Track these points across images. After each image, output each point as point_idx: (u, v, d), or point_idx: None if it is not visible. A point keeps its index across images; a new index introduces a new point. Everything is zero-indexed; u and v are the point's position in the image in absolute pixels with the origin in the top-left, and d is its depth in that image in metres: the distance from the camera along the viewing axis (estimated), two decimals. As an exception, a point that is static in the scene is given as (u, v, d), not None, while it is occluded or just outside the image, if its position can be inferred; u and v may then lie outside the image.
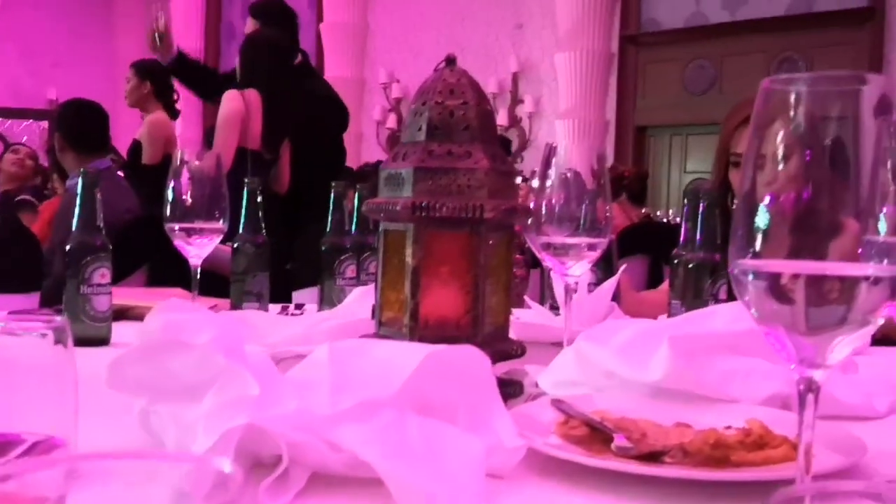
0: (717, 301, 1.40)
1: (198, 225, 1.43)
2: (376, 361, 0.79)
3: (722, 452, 0.79)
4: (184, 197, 1.45)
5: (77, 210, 1.40)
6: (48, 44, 12.39)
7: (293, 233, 3.16)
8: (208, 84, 4.17)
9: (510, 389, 1.14)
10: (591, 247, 1.21)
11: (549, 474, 0.78)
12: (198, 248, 1.42)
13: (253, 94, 3.60)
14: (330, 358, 0.79)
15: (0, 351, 0.63)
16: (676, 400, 0.98)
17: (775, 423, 0.85)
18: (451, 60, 1.17)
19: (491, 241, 1.09)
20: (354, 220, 1.83)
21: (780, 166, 0.58)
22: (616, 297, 1.59)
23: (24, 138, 10.76)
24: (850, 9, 7.84)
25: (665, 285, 1.74)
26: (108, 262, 1.42)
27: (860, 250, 0.55)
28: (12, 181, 5.52)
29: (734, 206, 0.59)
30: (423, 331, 1.07)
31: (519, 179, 6.94)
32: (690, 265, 1.45)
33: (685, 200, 1.52)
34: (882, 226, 0.56)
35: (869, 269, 0.54)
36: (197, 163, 1.51)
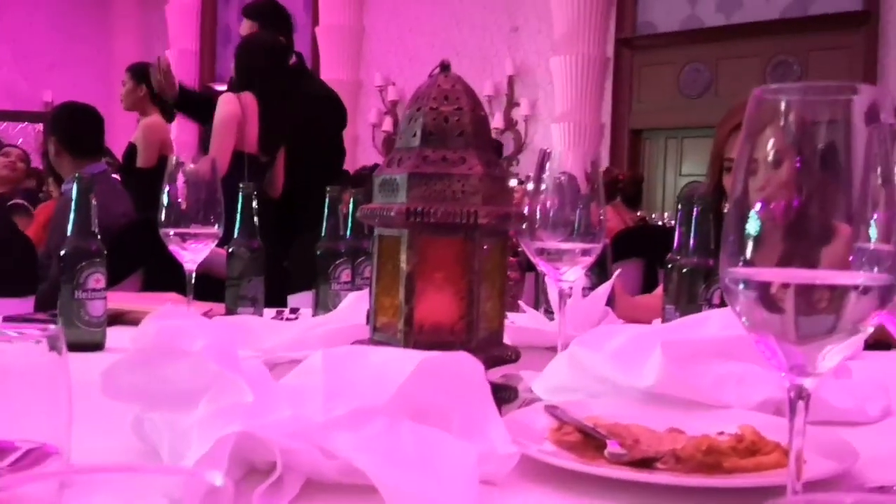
0: (711, 306, 1.41)
1: (193, 230, 1.43)
2: (370, 368, 0.79)
3: (714, 459, 0.79)
4: (179, 202, 1.45)
5: (72, 215, 1.40)
6: (44, 46, 12.38)
7: (288, 237, 3.16)
8: (211, 111, 4.17)
9: (504, 395, 1.14)
10: (585, 252, 1.21)
11: (543, 481, 0.79)
12: (193, 254, 1.42)
13: (249, 98, 3.60)
14: (324, 365, 0.79)
15: (-6, 358, 0.63)
16: (669, 405, 0.98)
17: (768, 428, 0.85)
18: (445, 66, 1.18)
19: (485, 247, 1.10)
20: (349, 224, 1.83)
21: (772, 173, 0.59)
22: (610, 301, 1.60)
23: (20, 140, 10.75)
24: (845, 12, 7.87)
25: (659, 290, 1.74)
26: (102, 268, 1.42)
27: (851, 258, 0.56)
28: (4, 184, 5.50)
29: (726, 212, 0.59)
30: (418, 336, 1.07)
31: (515, 182, 6.95)
32: (684, 270, 1.45)
33: (679, 205, 1.53)
34: (873, 232, 0.56)
35: (859, 278, 0.54)
36: (192, 166, 1.51)
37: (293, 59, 3.99)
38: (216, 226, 1.46)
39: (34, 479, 0.34)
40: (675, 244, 1.49)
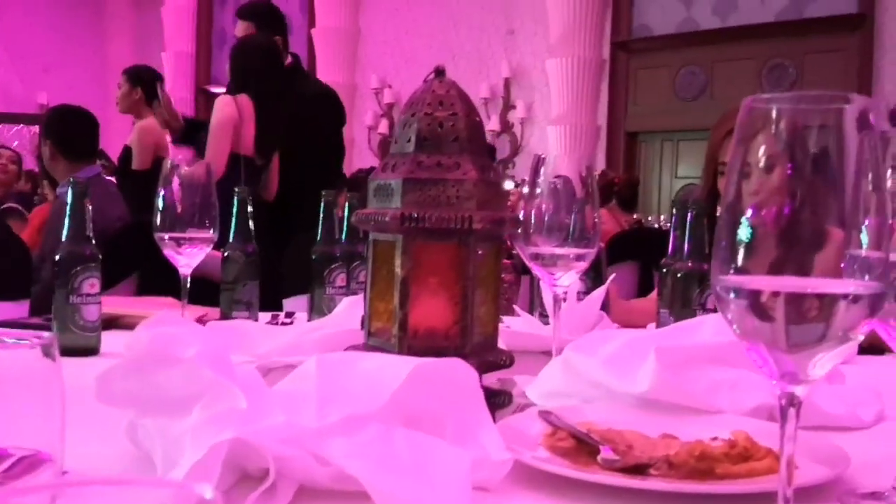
0: (706, 310, 1.41)
1: (188, 234, 1.43)
2: (364, 374, 0.80)
3: (707, 465, 0.80)
4: (173, 206, 1.45)
5: (66, 220, 1.40)
6: (39, 48, 12.37)
7: (284, 239, 3.15)
8: None
9: (499, 400, 1.14)
10: (580, 257, 1.21)
11: (536, 487, 0.79)
12: (188, 258, 1.42)
13: (245, 100, 3.59)
14: (317, 371, 0.79)
15: (-13, 365, 0.63)
16: (663, 411, 0.98)
17: (761, 434, 0.86)
18: (440, 72, 1.18)
19: (480, 252, 1.10)
20: (344, 228, 1.83)
21: (763, 179, 0.59)
22: (605, 305, 1.60)
23: (15, 143, 10.74)
24: (840, 15, 7.89)
25: (654, 294, 1.74)
26: (97, 273, 1.41)
27: (843, 264, 0.56)
28: None
29: (718, 218, 0.59)
30: (412, 341, 1.07)
31: (512, 185, 6.95)
32: (679, 274, 1.45)
33: (673, 210, 1.53)
34: (864, 239, 0.56)
35: (849, 286, 0.54)
36: (186, 168, 1.51)
37: (289, 60, 3.99)
38: (211, 230, 1.46)
39: (25, 492, 0.34)
40: (670, 248, 1.50)
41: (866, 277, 0.56)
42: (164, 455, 0.75)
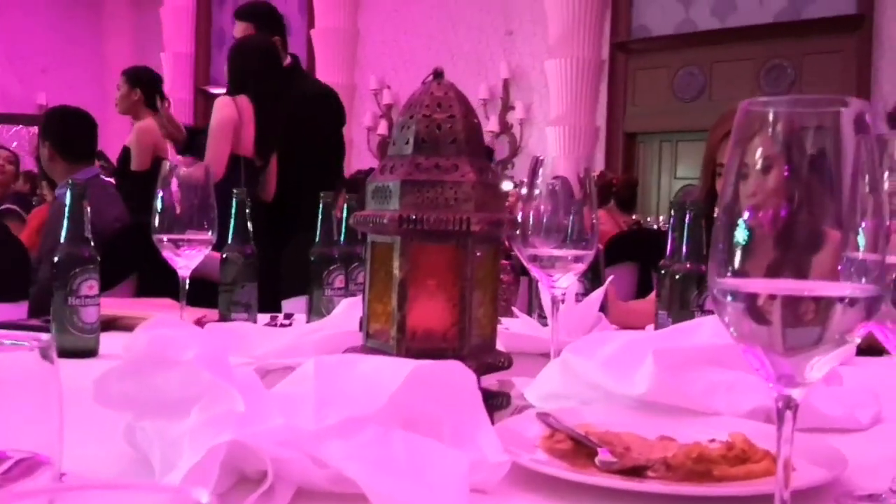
0: (704, 312, 1.41)
1: (186, 236, 1.43)
2: (362, 377, 0.80)
3: (704, 467, 0.80)
4: (172, 207, 1.45)
5: (65, 222, 1.40)
6: (38, 49, 12.37)
7: (284, 239, 3.15)
8: None
9: (497, 401, 1.14)
10: (578, 259, 1.21)
11: (534, 489, 0.79)
12: (186, 260, 1.42)
13: (245, 101, 3.58)
14: (315, 373, 0.79)
15: (-16, 368, 0.63)
16: (661, 413, 0.98)
17: (758, 436, 0.86)
18: (438, 74, 1.18)
19: (478, 254, 1.10)
20: (343, 230, 1.83)
21: (760, 182, 0.59)
22: (604, 307, 1.60)
23: (14, 144, 10.74)
24: (839, 16, 7.90)
25: (653, 295, 1.74)
26: (95, 274, 1.42)
27: (840, 267, 0.56)
28: None
29: (715, 221, 0.59)
30: (410, 343, 1.07)
31: (511, 185, 6.95)
32: (677, 276, 1.46)
33: (672, 211, 1.53)
34: (861, 240, 0.56)
35: (846, 289, 0.55)
36: (184, 169, 1.51)
37: (288, 61, 3.98)
38: (210, 232, 1.46)
39: (22, 496, 0.35)
40: (668, 250, 1.50)
41: (863, 280, 0.56)
42: (162, 457, 0.76)
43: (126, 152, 4.59)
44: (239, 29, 4.01)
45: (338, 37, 10.62)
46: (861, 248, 0.57)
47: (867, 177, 0.58)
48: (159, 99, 4.39)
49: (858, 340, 0.57)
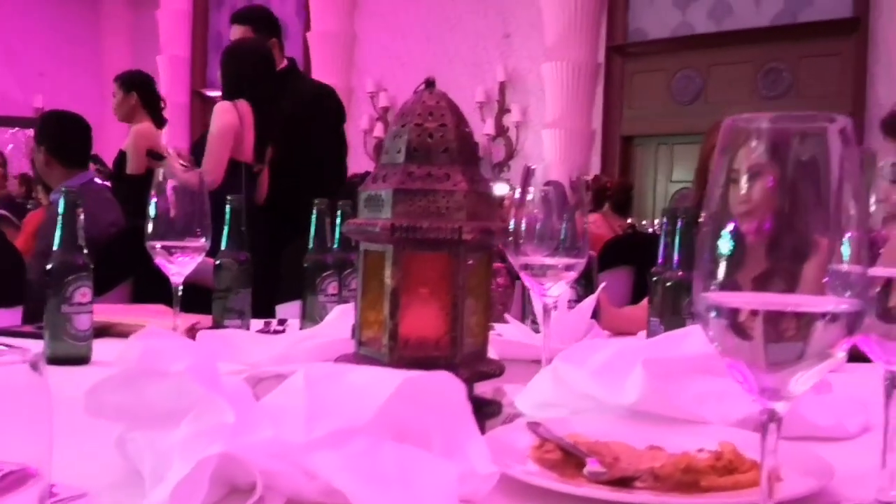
0: (695, 319, 1.42)
1: (179, 243, 1.43)
2: (351, 387, 0.80)
3: (692, 477, 0.80)
4: (165, 214, 1.45)
5: (58, 229, 1.41)
6: (35, 52, 12.38)
7: (285, 241, 3.14)
8: None
9: (489, 409, 1.15)
10: (569, 267, 1.22)
11: (523, 500, 0.79)
12: (179, 267, 1.42)
13: (245, 106, 3.57)
14: (305, 384, 0.80)
15: (-26, 380, 0.63)
16: (651, 422, 0.99)
17: (747, 445, 0.86)
18: (430, 83, 1.19)
19: (470, 262, 1.10)
20: (337, 236, 1.84)
21: (745, 195, 0.59)
22: (596, 313, 1.61)
23: (10, 146, 10.73)
24: (835, 20, 7.92)
25: (645, 301, 1.75)
26: (89, 282, 1.42)
27: (826, 279, 0.56)
28: None
29: (699, 230, 0.60)
30: (403, 351, 1.08)
31: (507, 188, 6.96)
32: (668, 283, 1.46)
33: (664, 218, 1.54)
34: (846, 254, 0.57)
35: (828, 304, 0.55)
36: (178, 177, 1.51)
37: (284, 63, 3.98)
38: (203, 238, 1.46)
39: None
40: (661, 257, 1.50)
41: (848, 293, 0.56)
42: (152, 469, 0.76)
43: (122, 156, 4.59)
44: (235, 33, 4.01)
45: (334, 40, 10.63)
46: (846, 262, 0.57)
47: (852, 190, 0.59)
48: (159, 101, 4.40)
49: (842, 355, 0.57)
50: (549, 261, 1.22)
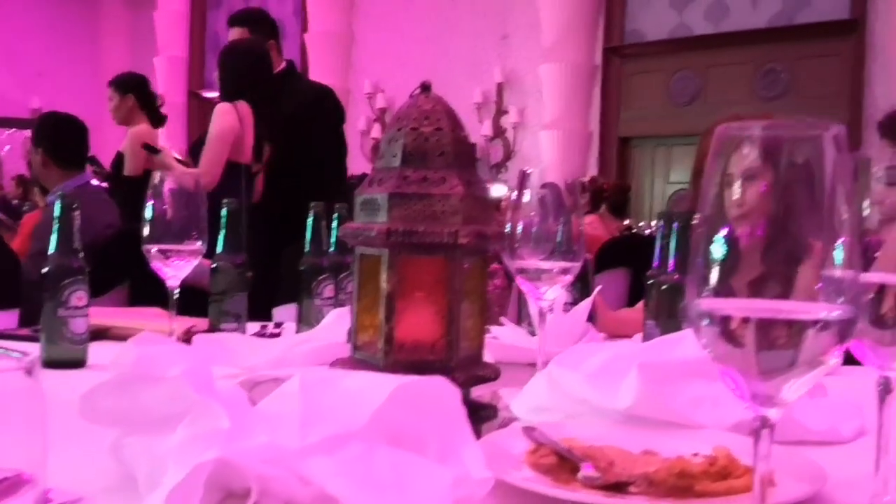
0: (688, 325, 1.42)
1: (175, 246, 1.43)
2: (346, 393, 0.80)
3: (686, 482, 0.80)
4: (161, 218, 1.45)
5: (55, 233, 1.41)
6: (32, 53, 12.37)
7: (285, 242, 3.13)
8: None
9: (485, 413, 1.15)
10: (565, 271, 1.22)
11: (517, 504, 0.80)
12: (175, 270, 1.42)
13: (245, 108, 3.57)
14: (301, 389, 0.80)
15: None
16: (646, 426, 0.99)
17: (742, 449, 0.86)
18: (425, 87, 1.19)
19: (466, 266, 1.11)
20: (333, 239, 1.84)
21: (739, 199, 0.60)
22: (592, 316, 1.61)
23: (7, 147, 10.72)
24: (833, 21, 7.93)
25: (641, 303, 1.75)
26: (85, 285, 1.42)
27: (819, 286, 0.57)
28: None
29: (693, 235, 0.60)
30: (398, 355, 1.08)
31: (504, 189, 6.96)
32: (664, 287, 1.46)
33: (660, 222, 1.54)
34: (839, 257, 0.57)
35: (820, 311, 0.55)
36: (174, 180, 1.51)
37: (283, 65, 3.98)
38: (199, 242, 1.46)
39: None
40: (656, 260, 1.50)
41: (840, 300, 0.56)
42: (147, 474, 0.76)
43: (120, 157, 4.59)
44: (233, 35, 4.01)
45: (332, 40, 10.63)
46: (839, 267, 0.57)
47: (845, 196, 0.59)
48: (155, 101, 4.39)
49: (835, 362, 0.58)
50: (544, 265, 1.22)
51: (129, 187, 4.16)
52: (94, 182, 3.66)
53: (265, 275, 2.72)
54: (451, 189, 1.09)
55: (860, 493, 0.82)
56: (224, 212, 1.70)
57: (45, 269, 1.40)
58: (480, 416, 1.14)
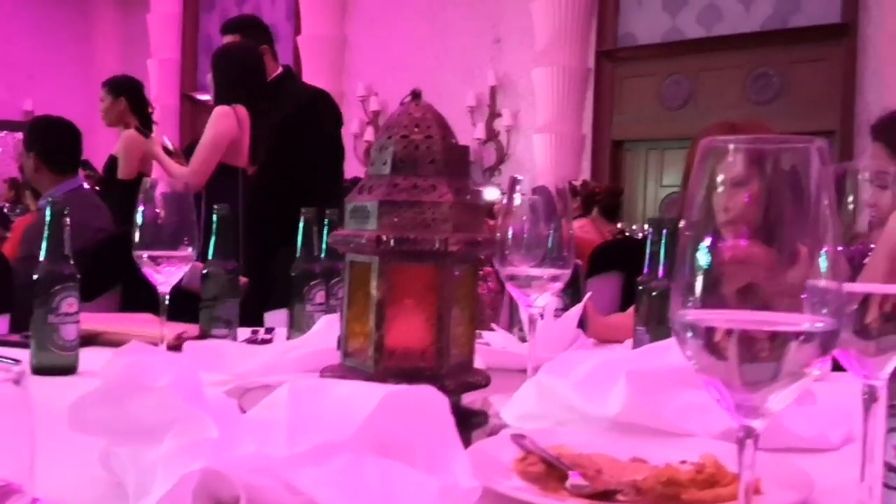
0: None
1: (166, 253, 1.43)
2: (335, 402, 0.80)
3: (673, 490, 0.81)
4: (152, 224, 1.44)
5: (45, 239, 1.40)
6: (24, 55, 12.33)
7: (281, 245, 3.12)
8: None
9: (475, 420, 1.15)
10: (555, 278, 1.23)
11: (505, 513, 0.80)
12: (166, 276, 1.42)
13: (243, 111, 3.56)
14: (289, 399, 0.80)
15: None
16: (635, 434, 0.99)
17: (730, 457, 0.87)
18: (416, 94, 1.19)
19: (456, 273, 1.11)
20: (324, 245, 1.84)
21: (725, 206, 0.60)
22: (583, 322, 1.61)
23: (-1, 150, 10.70)
24: (825, 25, 7.95)
25: (632, 308, 1.76)
26: (75, 292, 1.42)
27: (804, 296, 0.57)
28: None
29: (677, 247, 0.60)
30: (388, 362, 1.08)
31: (497, 193, 6.96)
32: (654, 293, 1.47)
33: (650, 228, 1.55)
34: (822, 267, 0.57)
35: (802, 323, 0.55)
36: (165, 186, 1.50)
37: (280, 70, 3.98)
38: (190, 248, 1.46)
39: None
40: (646, 266, 1.51)
41: (824, 311, 0.57)
42: (136, 484, 0.76)
43: (112, 161, 4.58)
44: (228, 42, 4.00)
45: (325, 44, 10.62)
46: (823, 278, 0.57)
47: (827, 209, 0.59)
48: (147, 106, 4.38)
49: (818, 373, 0.58)
50: (534, 271, 1.22)
51: (123, 190, 4.15)
52: (86, 186, 3.64)
53: (260, 277, 2.72)
54: (442, 197, 1.09)
55: (846, 501, 0.82)
56: (215, 217, 1.70)
57: (35, 276, 1.40)
58: (471, 422, 1.14)
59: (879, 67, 7.56)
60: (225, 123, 3.51)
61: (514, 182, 1.26)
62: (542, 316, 1.30)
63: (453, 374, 1.10)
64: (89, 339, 1.60)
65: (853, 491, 0.83)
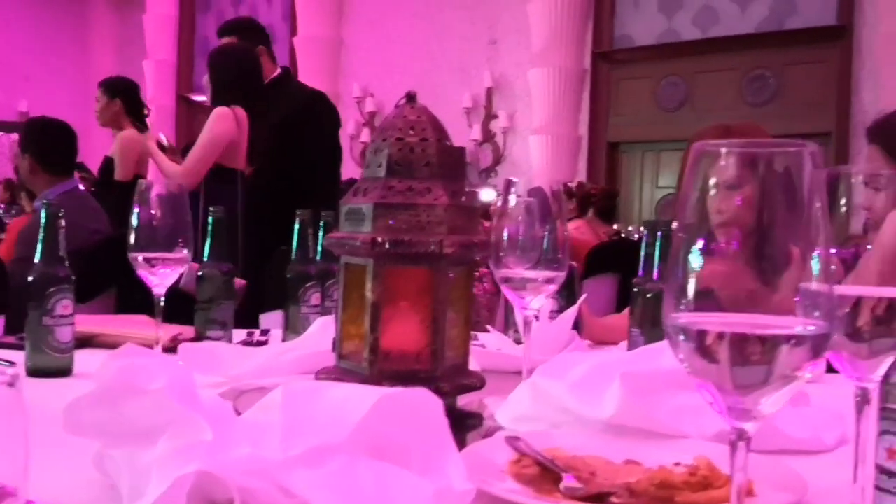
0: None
1: (161, 255, 1.42)
2: (330, 404, 0.80)
3: (667, 493, 0.81)
4: (147, 226, 1.44)
5: (40, 241, 1.40)
6: (19, 56, 12.31)
7: (272, 248, 3.12)
8: None
9: (470, 422, 1.16)
10: (549, 280, 1.23)
11: (499, 515, 0.80)
12: (161, 278, 1.42)
13: (242, 113, 3.56)
14: (283, 401, 0.80)
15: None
16: (629, 436, 1.00)
17: (723, 459, 0.87)
18: (411, 97, 1.19)
19: (451, 276, 1.11)
20: (319, 247, 1.84)
21: (718, 210, 0.60)
22: (578, 324, 1.61)
23: (-6, 151, 10.67)
24: (821, 27, 7.96)
25: (627, 310, 1.76)
26: (71, 294, 1.42)
27: (797, 299, 0.57)
28: None
29: (670, 249, 0.60)
30: (383, 364, 1.08)
31: (494, 194, 6.96)
32: (649, 294, 1.47)
33: (644, 230, 1.55)
34: (815, 269, 0.57)
35: (794, 327, 0.56)
36: (160, 188, 1.50)
37: (278, 71, 3.97)
38: (185, 250, 1.46)
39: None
40: (641, 268, 1.51)
41: (816, 314, 0.57)
42: (130, 486, 0.76)
43: (108, 162, 4.58)
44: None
45: (321, 45, 10.61)
46: (815, 280, 0.58)
47: (820, 211, 0.59)
48: (142, 108, 4.37)
49: (810, 376, 0.58)
50: (529, 274, 1.23)
51: (119, 192, 4.15)
52: (81, 188, 3.64)
53: (257, 278, 2.72)
54: (437, 199, 1.10)
55: (839, 503, 0.82)
56: (210, 219, 1.70)
57: (30, 277, 1.40)
58: (466, 424, 1.15)
59: (875, 69, 7.57)
60: (224, 124, 3.51)
61: (509, 184, 1.26)
62: (537, 318, 1.30)
63: (448, 377, 1.10)
64: (84, 342, 1.60)
65: (846, 493, 0.83)
